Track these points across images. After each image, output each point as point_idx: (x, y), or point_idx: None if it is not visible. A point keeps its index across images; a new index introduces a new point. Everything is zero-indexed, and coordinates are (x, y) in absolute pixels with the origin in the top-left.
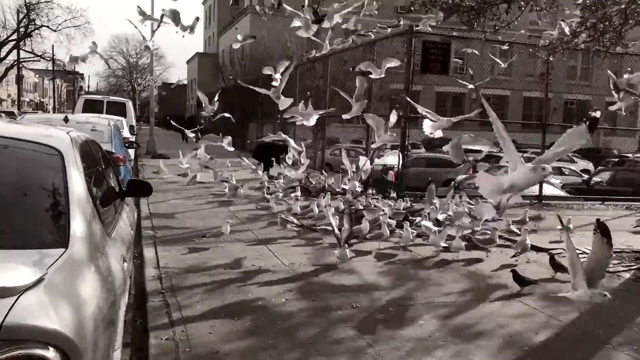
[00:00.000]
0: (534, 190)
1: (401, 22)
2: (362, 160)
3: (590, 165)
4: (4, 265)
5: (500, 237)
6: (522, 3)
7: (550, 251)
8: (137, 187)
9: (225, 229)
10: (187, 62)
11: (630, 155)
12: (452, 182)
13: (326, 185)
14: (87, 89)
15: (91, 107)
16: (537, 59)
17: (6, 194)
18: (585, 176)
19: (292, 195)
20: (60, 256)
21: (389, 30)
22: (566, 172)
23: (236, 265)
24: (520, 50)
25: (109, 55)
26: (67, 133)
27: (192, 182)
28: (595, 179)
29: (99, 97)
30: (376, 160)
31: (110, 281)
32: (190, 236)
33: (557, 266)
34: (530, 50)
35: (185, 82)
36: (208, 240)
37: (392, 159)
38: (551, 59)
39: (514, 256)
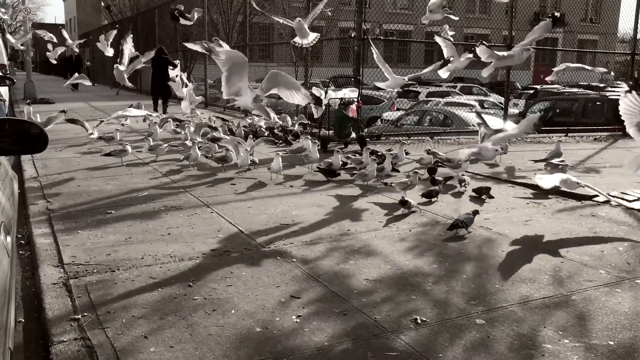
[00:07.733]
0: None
1: None
2: (316, 92)
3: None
4: None
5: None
6: None
7: None
8: (20, 135)
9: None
10: None
11: (538, 86)
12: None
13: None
14: None
15: None
16: None
17: None
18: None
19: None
20: None
21: None
22: (486, 106)
23: (194, 250)
24: None
25: None
26: None
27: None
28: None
29: None
30: (331, 94)
31: None
32: (101, 205)
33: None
34: None
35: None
36: (131, 209)
37: (349, 92)
38: None
39: None
